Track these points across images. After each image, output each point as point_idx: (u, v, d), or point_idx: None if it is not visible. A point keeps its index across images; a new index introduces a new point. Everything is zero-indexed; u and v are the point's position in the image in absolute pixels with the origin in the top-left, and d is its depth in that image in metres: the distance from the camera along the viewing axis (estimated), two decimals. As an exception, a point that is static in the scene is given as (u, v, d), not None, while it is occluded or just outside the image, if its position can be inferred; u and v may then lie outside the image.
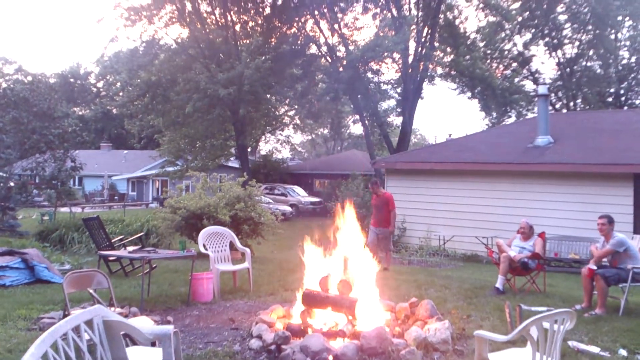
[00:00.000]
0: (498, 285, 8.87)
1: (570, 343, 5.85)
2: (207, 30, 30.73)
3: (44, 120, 19.90)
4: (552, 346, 4.10)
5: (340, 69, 28.69)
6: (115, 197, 43.95)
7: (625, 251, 7.62)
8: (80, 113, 59.25)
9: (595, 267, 7.64)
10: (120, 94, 36.50)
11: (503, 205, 14.65)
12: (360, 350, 5.31)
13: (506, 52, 35.69)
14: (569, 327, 4.25)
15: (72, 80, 64.63)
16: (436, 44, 30.64)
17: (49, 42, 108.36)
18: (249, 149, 39.99)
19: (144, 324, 5.04)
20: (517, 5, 32.83)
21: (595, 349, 5.75)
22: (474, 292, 8.96)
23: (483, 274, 11.08)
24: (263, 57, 27.11)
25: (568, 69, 34.31)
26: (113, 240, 11.07)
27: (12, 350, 5.47)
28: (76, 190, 43.38)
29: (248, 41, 31.00)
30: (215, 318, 7.09)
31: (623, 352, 5.73)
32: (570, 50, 34.30)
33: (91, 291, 5.76)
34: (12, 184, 19.29)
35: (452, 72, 32.80)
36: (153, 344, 4.37)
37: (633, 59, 34.04)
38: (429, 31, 29.61)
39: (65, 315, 5.52)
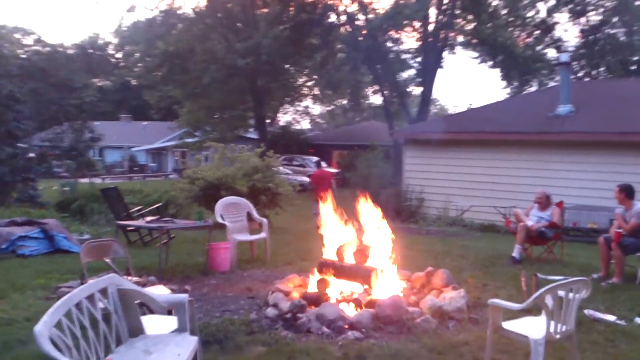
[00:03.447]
0: (515, 254, 8.83)
1: (586, 311, 5.83)
2: (225, -1, 30.47)
3: (62, 91, 19.96)
4: (566, 314, 4.09)
5: (360, 38, 28.35)
6: (135, 168, 44.22)
7: (646, 220, 7.52)
8: (99, 84, 59.31)
9: (621, 230, 7.53)
10: (139, 64, 36.46)
11: (522, 175, 14.46)
12: (375, 318, 5.34)
13: (529, 20, 34.97)
14: (584, 295, 4.23)
15: (90, 51, 64.42)
16: (457, 12, 30.07)
17: (68, 13, 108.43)
18: (268, 120, 39.87)
19: (159, 292, 5.09)
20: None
21: (611, 318, 5.73)
22: (491, 262, 8.94)
23: (500, 244, 11.02)
24: (281, 27, 26.84)
25: (591, 37, 33.58)
26: (131, 211, 11.16)
27: (31, 319, 5.53)
28: (96, 161, 43.72)
29: (266, 10, 30.74)
30: (233, 287, 7.16)
31: (639, 321, 5.70)
32: (594, 17, 33.57)
33: (108, 260, 5.82)
34: (32, 155, 19.45)
35: (474, 41, 32.23)
36: (170, 312, 4.41)
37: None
38: (450, -2, 29.07)
39: (82, 284, 5.59)
